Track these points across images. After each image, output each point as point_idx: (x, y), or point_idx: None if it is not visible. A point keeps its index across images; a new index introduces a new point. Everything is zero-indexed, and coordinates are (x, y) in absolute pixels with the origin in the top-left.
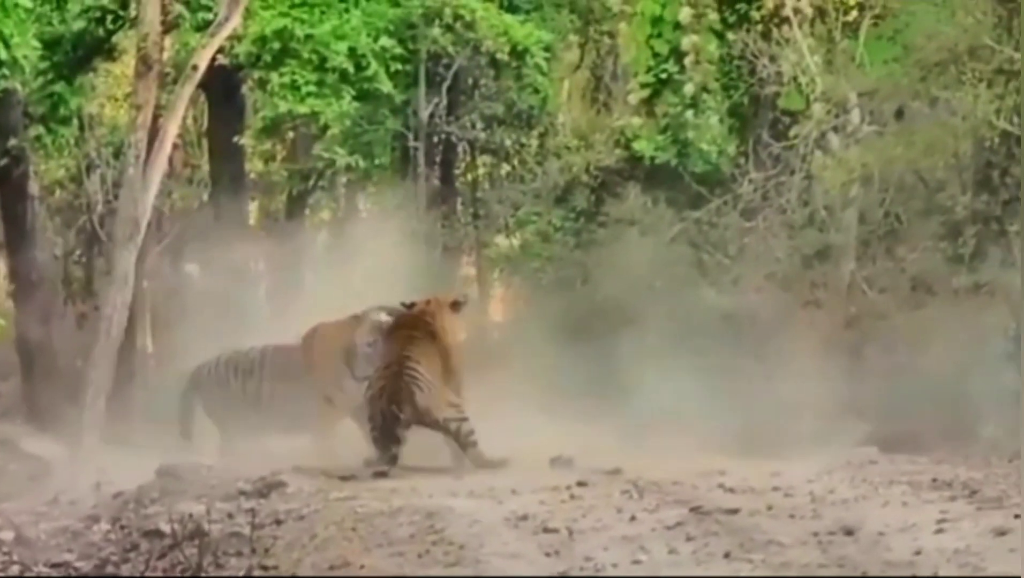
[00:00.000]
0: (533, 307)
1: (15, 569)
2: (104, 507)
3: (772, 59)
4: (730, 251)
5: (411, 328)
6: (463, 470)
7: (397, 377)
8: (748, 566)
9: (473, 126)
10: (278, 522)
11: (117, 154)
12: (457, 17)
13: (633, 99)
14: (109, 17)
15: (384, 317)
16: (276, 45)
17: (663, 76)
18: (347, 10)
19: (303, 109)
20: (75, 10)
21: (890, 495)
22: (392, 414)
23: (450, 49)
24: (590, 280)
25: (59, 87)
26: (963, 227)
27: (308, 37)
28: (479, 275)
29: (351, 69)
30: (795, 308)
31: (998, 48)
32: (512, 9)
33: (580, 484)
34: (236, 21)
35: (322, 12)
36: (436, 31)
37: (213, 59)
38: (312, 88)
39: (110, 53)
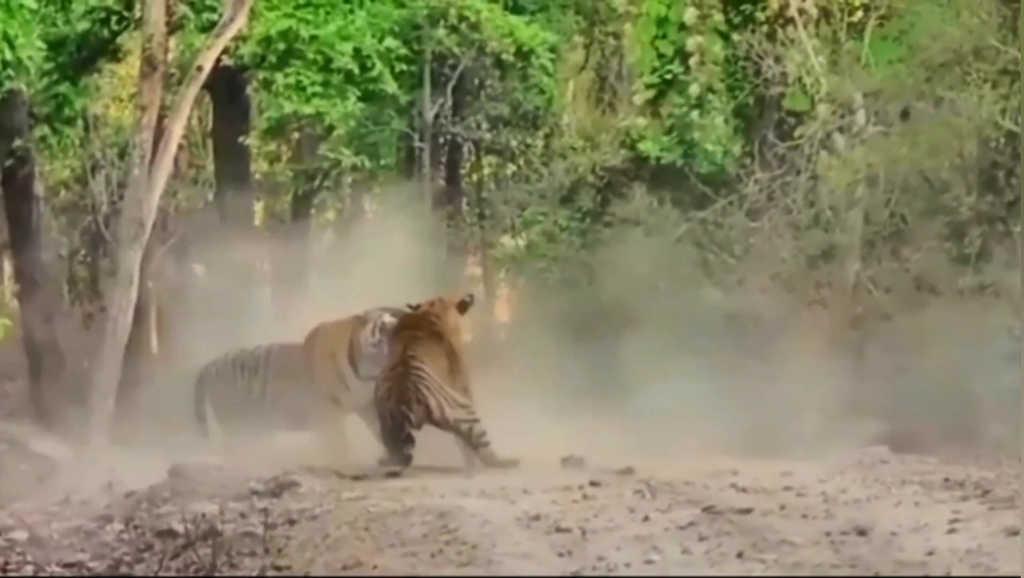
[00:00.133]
0: (539, 307)
1: (29, 569)
2: (116, 507)
3: (777, 60)
4: (735, 251)
5: (415, 328)
6: (474, 470)
7: (403, 378)
8: (761, 566)
9: (478, 127)
10: (291, 522)
11: (122, 155)
12: (462, 18)
13: (638, 100)
14: (114, 18)
15: (388, 318)
16: (281, 46)
17: (668, 77)
18: (352, 11)
19: (308, 110)
20: (79, 11)
21: (902, 495)
22: (401, 414)
23: (455, 50)
24: (596, 280)
25: (64, 88)
26: (968, 227)
27: (313, 38)
28: (485, 275)
29: (356, 70)
30: (800, 308)
31: (1003, 48)
32: (517, 10)
33: (592, 484)
34: (241, 22)
35: (327, 13)
36: (441, 32)
37: (218, 60)
38: (317, 89)
39: (115, 54)
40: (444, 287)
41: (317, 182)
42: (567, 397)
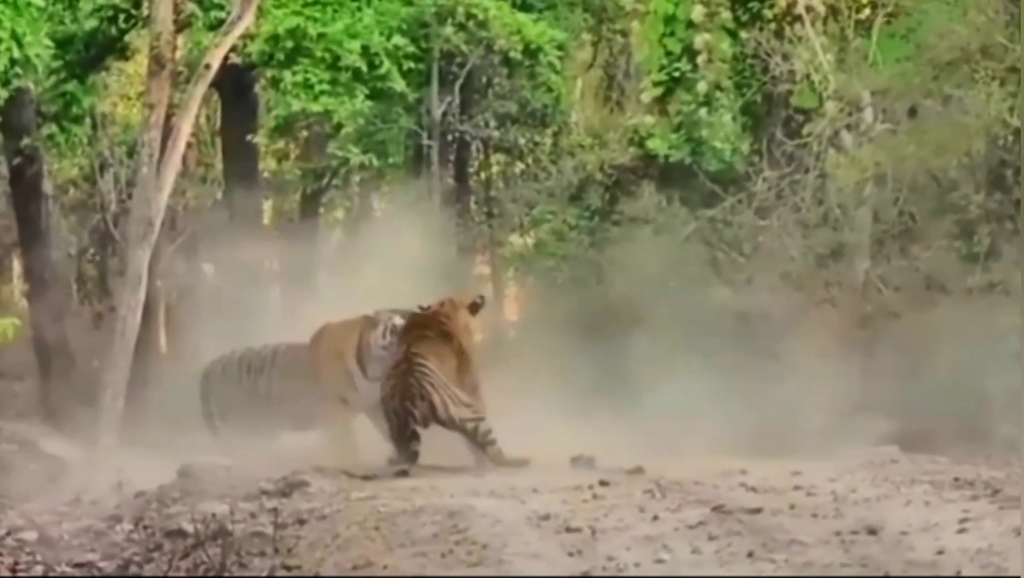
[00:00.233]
0: (547, 306)
1: (39, 569)
2: (126, 507)
3: (785, 57)
4: (744, 250)
5: (423, 328)
6: (484, 469)
7: (407, 375)
8: (771, 566)
9: (487, 124)
10: (301, 522)
11: (130, 153)
12: (470, 16)
13: (646, 97)
14: (121, 16)
15: (399, 320)
16: (289, 44)
17: (676, 74)
18: (360, 9)
19: (316, 108)
20: (87, 9)
21: (912, 494)
22: (406, 411)
23: (463, 48)
24: (604, 279)
25: (72, 86)
26: (977, 226)
27: (321, 36)
28: (493, 274)
29: (364, 68)
30: (809, 307)
31: (1010, 46)
32: (525, 8)
33: (602, 483)
34: (249, 20)
35: (335, 11)
36: (449, 30)
37: (226, 58)
38: (325, 87)
39: (123, 52)
40: (453, 286)
41: (325, 180)
42: (576, 396)
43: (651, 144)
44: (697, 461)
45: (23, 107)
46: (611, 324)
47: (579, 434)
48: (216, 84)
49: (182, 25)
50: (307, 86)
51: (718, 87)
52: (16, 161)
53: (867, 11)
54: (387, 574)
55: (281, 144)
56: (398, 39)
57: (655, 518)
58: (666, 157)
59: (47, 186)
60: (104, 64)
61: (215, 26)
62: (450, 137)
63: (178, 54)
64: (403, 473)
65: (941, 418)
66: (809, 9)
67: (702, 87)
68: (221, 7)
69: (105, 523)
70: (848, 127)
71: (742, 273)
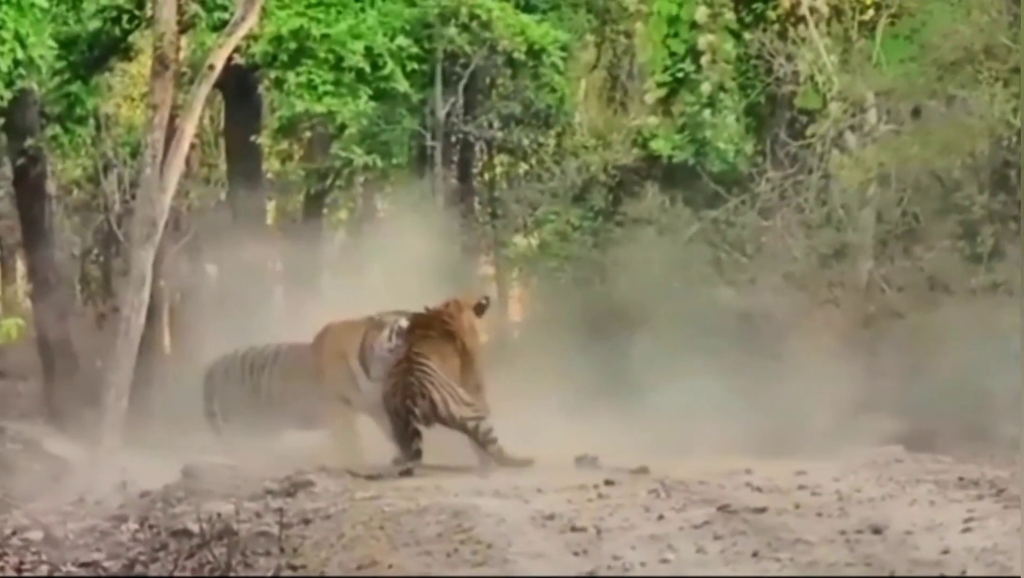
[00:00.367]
0: (551, 306)
1: (44, 569)
2: (131, 507)
3: (789, 58)
4: (748, 250)
5: (426, 328)
6: (488, 469)
7: (407, 373)
8: (776, 565)
9: (490, 125)
10: (306, 521)
11: (134, 154)
12: (473, 16)
13: (650, 98)
14: (125, 17)
15: (404, 322)
16: (292, 44)
17: (680, 75)
18: (363, 9)
19: (320, 108)
20: (91, 10)
21: (917, 494)
22: (407, 409)
23: (467, 48)
24: (608, 279)
25: (75, 87)
26: (980, 226)
27: (324, 36)
28: (497, 274)
29: (368, 68)
30: (812, 307)
31: (1014, 47)
32: (528, 8)
33: (607, 483)
34: (252, 21)
35: (338, 11)
36: (452, 30)
37: (229, 59)
38: (329, 87)
39: (126, 53)
40: (456, 287)
41: (329, 181)
42: (580, 396)
43: (655, 145)
44: (702, 461)
45: (27, 108)
46: (615, 324)
47: (583, 434)
48: (220, 85)
49: (186, 26)
50: (311, 87)
51: (722, 88)
52: (20, 162)
53: (871, 12)
54: (392, 573)
55: (285, 145)
56: (402, 40)
57: (660, 517)
58: (670, 158)
59: (51, 187)
60: (108, 65)
61: (219, 27)
62: (454, 138)
63: (182, 55)
64: (407, 473)
65: (945, 418)
66: (813, 10)
67: (706, 88)
68: (225, 8)
69: (110, 523)
70: (852, 128)
71: (745, 273)
